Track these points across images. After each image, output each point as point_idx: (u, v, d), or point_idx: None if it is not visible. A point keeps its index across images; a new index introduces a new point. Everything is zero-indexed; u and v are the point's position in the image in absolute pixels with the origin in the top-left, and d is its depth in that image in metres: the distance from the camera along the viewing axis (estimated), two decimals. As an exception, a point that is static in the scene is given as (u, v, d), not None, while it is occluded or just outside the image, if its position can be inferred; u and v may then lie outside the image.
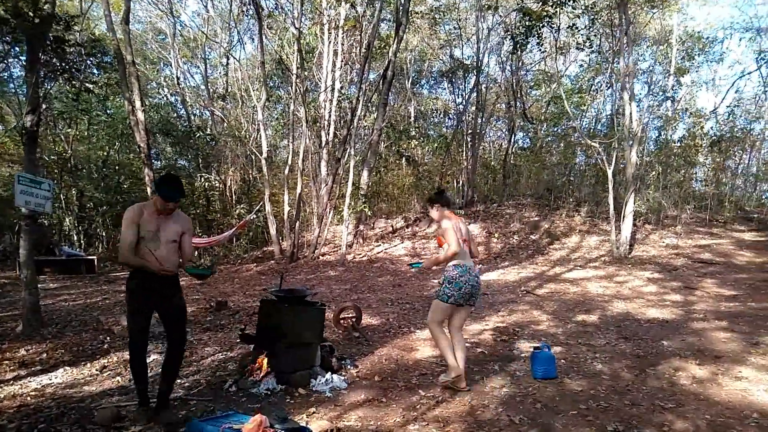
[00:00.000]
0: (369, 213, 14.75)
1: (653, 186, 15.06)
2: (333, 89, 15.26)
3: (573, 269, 10.96)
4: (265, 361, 4.42)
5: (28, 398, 4.20)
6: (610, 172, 12.48)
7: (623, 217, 12.13)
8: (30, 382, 4.63)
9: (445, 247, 4.21)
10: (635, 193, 12.50)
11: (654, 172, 15.47)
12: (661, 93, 18.37)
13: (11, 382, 4.63)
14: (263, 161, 14.12)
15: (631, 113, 12.32)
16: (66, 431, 3.49)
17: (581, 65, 20.64)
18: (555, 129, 20.88)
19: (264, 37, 13.96)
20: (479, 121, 18.94)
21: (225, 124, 19.68)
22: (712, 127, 17.98)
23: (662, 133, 18.74)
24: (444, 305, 4.25)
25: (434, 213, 4.41)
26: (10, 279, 11.10)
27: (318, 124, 15.81)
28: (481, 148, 20.51)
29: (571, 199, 16.37)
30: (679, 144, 16.85)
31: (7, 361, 5.21)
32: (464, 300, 4.24)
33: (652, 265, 10.92)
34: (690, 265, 10.72)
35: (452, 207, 4.20)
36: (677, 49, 17.22)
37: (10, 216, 15.09)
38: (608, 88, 17.67)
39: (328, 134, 15.36)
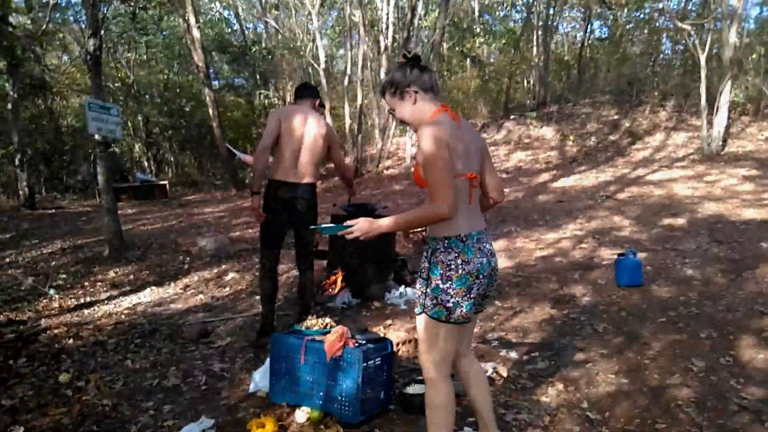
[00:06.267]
0: (433, 121, 14.21)
1: (753, 71, 13.37)
2: (390, -13, 14.20)
3: (657, 170, 10.19)
4: (340, 276, 4.44)
5: (122, 316, 4.50)
6: (702, 59, 11.15)
7: (716, 109, 10.94)
8: (122, 301, 4.96)
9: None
10: (732, 80, 11.15)
11: (754, 55, 13.67)
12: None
13: (105, 301, 4.98)
14: (321, 73, 13.71)
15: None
16: (159, 345, 3.71)
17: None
18: (637, 14, 18.66)
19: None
20: (551, 11, 17.26)
21: (279, 37, 19.16)
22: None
23: (765, 9, 16.35)
24: (447, 328, 1.83)
25: (397, 103, 1.92)
26: (92, 206, 11.80)
27: (376, 27, 14.97)
28: (553, 42, 18.91)
29: (656, 93, 14.89)
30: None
31: (99, 282, 5.62)
32: (479, 305, 1.95)
33: (748, 161, 9.94)
34: (795, 159, 9.66)
35: (438, 94, 1.95)
36: None
37: (85, 146, 15.71)
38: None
39: (387, 38, 14.53)
